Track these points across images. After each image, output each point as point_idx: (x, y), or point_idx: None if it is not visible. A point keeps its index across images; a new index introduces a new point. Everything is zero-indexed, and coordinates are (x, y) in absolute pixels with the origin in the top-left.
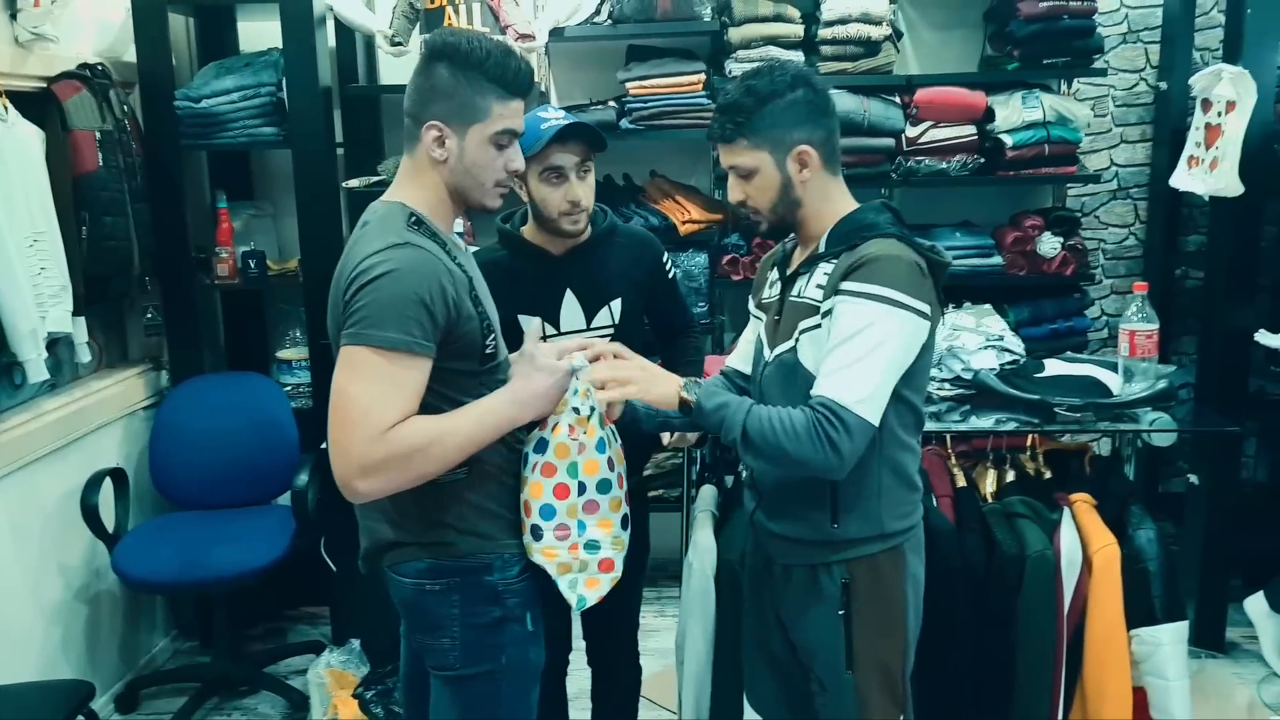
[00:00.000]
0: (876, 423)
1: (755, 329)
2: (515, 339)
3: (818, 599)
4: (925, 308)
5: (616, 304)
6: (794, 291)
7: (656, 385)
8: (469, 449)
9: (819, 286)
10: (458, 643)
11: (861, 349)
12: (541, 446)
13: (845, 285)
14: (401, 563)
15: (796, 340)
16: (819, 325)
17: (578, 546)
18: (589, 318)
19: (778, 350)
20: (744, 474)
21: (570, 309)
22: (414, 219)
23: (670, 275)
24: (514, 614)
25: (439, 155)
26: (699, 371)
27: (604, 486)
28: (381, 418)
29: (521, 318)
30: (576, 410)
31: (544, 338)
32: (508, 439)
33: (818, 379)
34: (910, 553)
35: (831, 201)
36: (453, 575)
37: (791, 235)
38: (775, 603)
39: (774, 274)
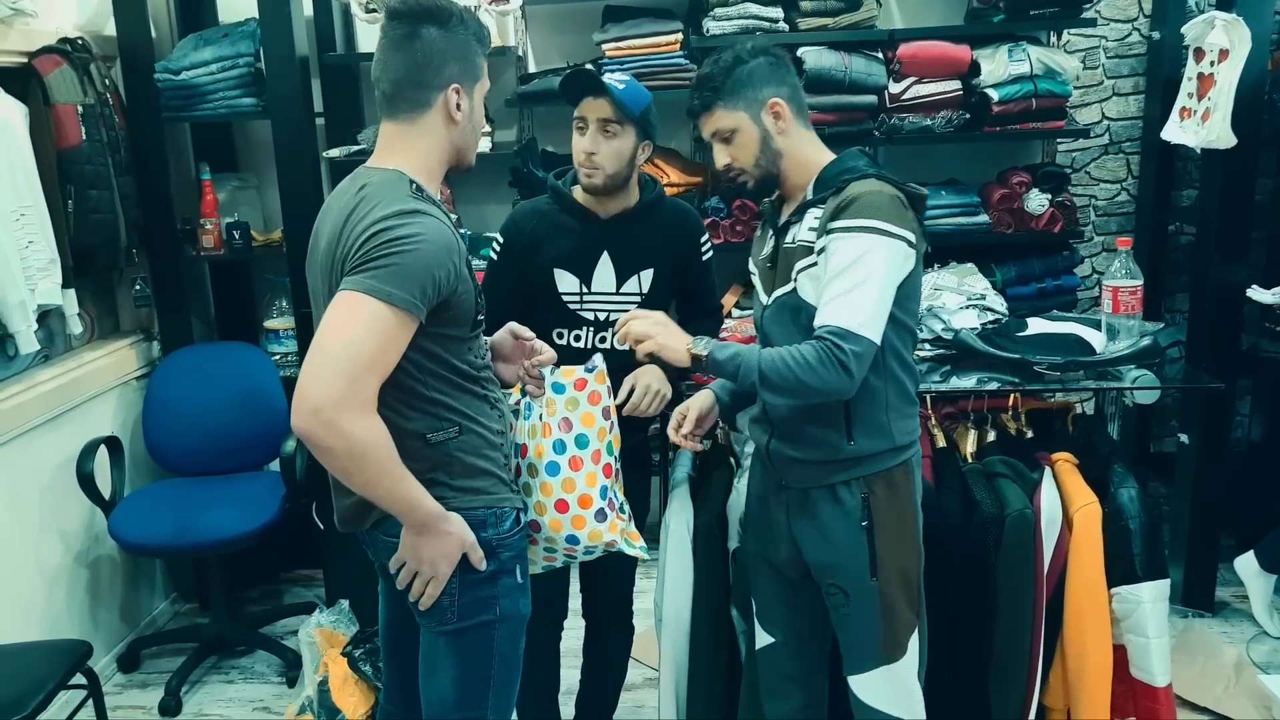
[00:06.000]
0: (879, 341)
1: (756, 286)
2: (550, 291)
3: (841, 515)
4: (910, 235)
5: (648, 274)
6: (787, 239)
7: (670, 343)
8: (389, 491)
9: (811, 230)
10: (455, 599)
11: (857, 277)
12: (583, 441)
13: (835, 224)
14: (390, 519)
15: (795, 280)
16: (815, 263)
17: (621, 512)
18: (619, 283)
19: (776, 294)
20: (753, 412)
21: (604, 271)
22: (416, 187)
23: (705, 257)
24: (506, 566)
25: (458, 117)
26: None
27: (620, 455)
28: (367, 365)
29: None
30: (576, 402)
31: (575, 298)
32: (492, 398)
33: (819, 310)
34: (915, 467)
35: (810, 152)
36: None
37: (776, 194)
38: (790, 526)
39: (767, 231)
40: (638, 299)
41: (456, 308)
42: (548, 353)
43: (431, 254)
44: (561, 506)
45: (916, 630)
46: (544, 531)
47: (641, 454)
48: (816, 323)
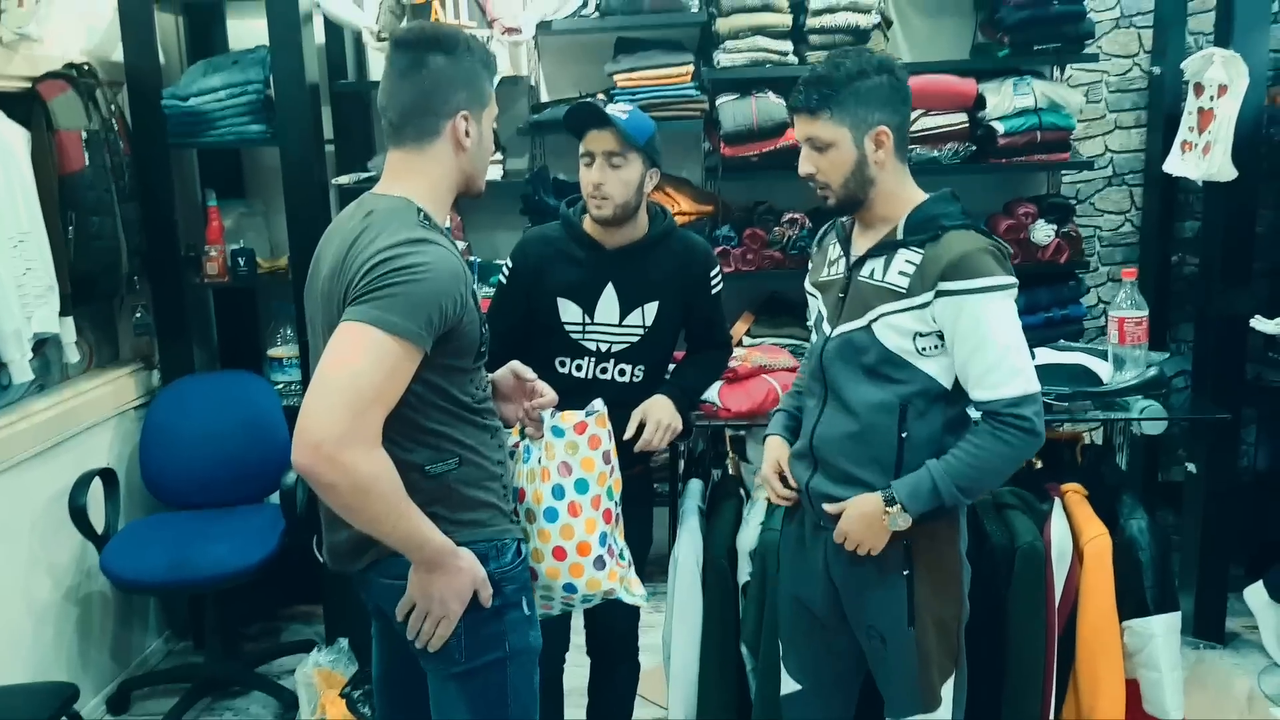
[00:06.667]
0: (1039, 386)
1: (815, 306)
2: (553, 319)
3: (880, 561)
4: (1015, 280)
5: (652, 307)
6: (865, 273)
7: (869, 537)
8: (394, 528)
9: (903, 274)
10: (461, 639)
11: (999, 341)
12: (583, 486)
13: (949, 286)
14: (386, 560)
15: (870, 322)
16: (905, 310)
17: (621, 559)
18: (623, 315)
19: (843, 328)
20: (798, 443)
21: (607, 302)
22: (423, 215)
23: (715, 290)
24: (511, 600)
25: (467, 144)
26: (704, 383)
27: (619, 498)
28: (371, 399)
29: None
30: (575, 446)
31: (578, 328)
32: (492, 428)
33: (974, 385)
34: (961, 516)
35: (903, 187)
36: None
37: (847, 216)
38: (828, 568)
39: (834, 251)
40: (641, 331)
41: (461, 338)
42: (549, 394)
43: (438, 283)
44: (559, 554)
45: (953, 679)
46: (541, 579)
47: (643, 485)
48: (979, 397)
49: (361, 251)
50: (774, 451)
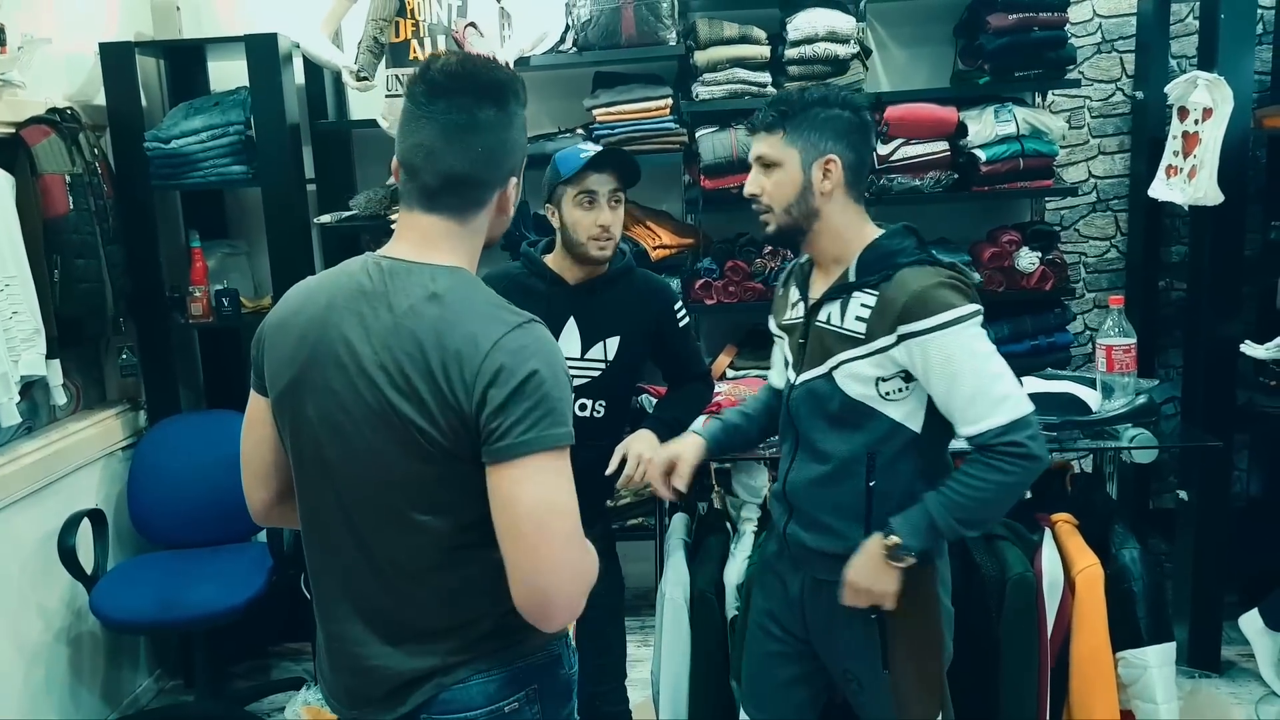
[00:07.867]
0: (1031, 406)
1: (780, 349)
2: None
3: (852, 608)
4: (979, 305)
5: (614, 341)
6: (822, 317)
7: (878, 581)
8: None
9: (859, 319)
10: None
11: (973, 373)
12: None
13: (910, 328)
14: (455, 688)
15: (831, 369)
16: (864, 357)
17: None
18: (584, 349)
19: (805, 376)
20: (773, 485)
21: (569, 337)
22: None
23: (682, 324)
24: (576, 706)
25: (510, 209)
26: (687, 417)
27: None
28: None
29: None
30: None
31: None
32: None
33: (960, 422)
34: (937, 558)
35: (853, 226)
36: (531, 681)
37: (806, 257)
38: (804, 606)
39: (794, 294)
40: (603, 365)
41: None
42: None
43: (563, 363)
44: None
45: None
46: None
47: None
48: (967, 432)
49: (464, 349)
50: (677, 445)
